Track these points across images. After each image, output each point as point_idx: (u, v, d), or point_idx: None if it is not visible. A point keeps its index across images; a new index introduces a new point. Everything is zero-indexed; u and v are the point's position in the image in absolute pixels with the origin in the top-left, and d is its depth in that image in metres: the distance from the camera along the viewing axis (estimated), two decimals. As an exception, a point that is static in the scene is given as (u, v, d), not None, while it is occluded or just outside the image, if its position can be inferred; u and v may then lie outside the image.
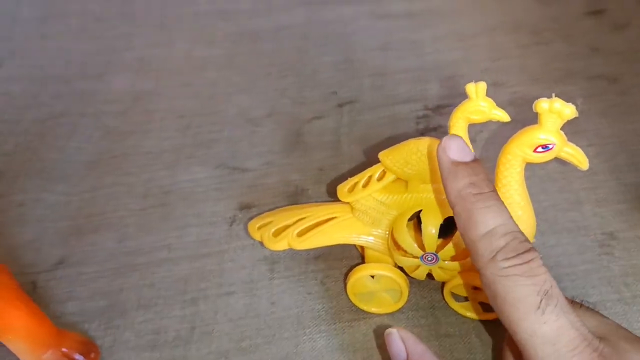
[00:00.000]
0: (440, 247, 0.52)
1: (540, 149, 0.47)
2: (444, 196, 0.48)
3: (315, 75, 0.88)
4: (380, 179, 0.54)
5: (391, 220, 0.55)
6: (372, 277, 0.56)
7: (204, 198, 0.71)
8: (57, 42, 0.97)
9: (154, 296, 0.61)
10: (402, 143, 0.53)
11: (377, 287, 0.57)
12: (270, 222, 0.60)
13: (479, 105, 0.51)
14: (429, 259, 0.53)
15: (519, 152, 0.48)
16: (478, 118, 0.52)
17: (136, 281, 0.62)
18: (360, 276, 0.56)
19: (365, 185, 0.55)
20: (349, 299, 0.58)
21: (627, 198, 0.66)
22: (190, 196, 0.71)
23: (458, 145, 0.46)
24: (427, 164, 0.51)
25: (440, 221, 0.51)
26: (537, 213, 0.65)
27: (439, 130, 0.77)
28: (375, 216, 0.55)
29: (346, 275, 0.61)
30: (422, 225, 0.51)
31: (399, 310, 0.58)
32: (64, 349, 0.52)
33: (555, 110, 0.45)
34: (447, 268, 0.53)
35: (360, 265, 0.57)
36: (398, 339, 0.48)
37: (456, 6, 0.99)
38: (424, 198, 0.53)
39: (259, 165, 0.74)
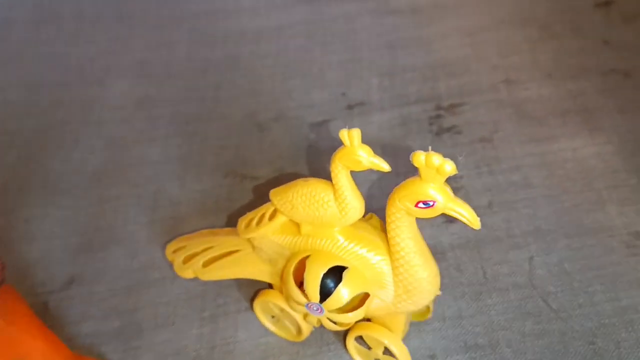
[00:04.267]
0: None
1: (421, 205, 0.42)
2: (332, 243, 0.47)
3: (322, 75, 0.86)
4: (271, 218, 0.50)
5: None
6: None
7: (215, 209, 0.68)
8: (52, 47, 0.94)
9: (171, 314, 0.59)
10: (290, 183, 0.49)
11: (281, 315, 0.55)
12: (183, 247, 0.58)
13: (357, 155, 0.44)
14: (315, 308, 0.48)
15: (401, 206, 0.43)
16: (357, 167, 0.45)
17: (151, 299, 0.60)
18: (265, 300, 0.54)
19: (258, 223, 0.51)
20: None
21: (651, 196, 0.65)
22: (201, 207, 0.68)
23: None
24: (313, 208, 0.47)
25: (324, 270, 0.47)
26: (560, 214, 0.65)
27: (453, 131, 0.75)
28: (272, 255, 0.52)
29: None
30: (305, 272, 0.47)
31: (425, 322, 0.56)
32: (82, 375, 0.50)
33: (433, 166, 0.40)
34: (334, 320, 0.49)
35: (268, 290, 0.55)
36: None
37: (460, 2, 0.97)
38: (315, 243, 0.49)
39: (270, 172, 0.72)
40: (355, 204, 0.46)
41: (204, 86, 0.85)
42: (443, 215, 0.65)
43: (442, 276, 0.59)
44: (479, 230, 0.62)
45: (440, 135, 0.75)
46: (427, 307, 0.55)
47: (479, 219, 0.43)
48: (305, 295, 0.48)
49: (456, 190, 0.67)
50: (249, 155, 0.75)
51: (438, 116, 0.78)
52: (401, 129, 0.76)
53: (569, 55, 0.84)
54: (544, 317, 0.56)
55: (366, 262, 0.48)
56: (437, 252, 0.62)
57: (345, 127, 0.45)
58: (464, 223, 0.43)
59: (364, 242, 0.48)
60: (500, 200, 0.67)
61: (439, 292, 0.49)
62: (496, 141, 0.73)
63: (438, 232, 0.64)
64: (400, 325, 0.52)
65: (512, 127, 0.75)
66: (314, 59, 0.88)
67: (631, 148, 0.70)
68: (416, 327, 0.56)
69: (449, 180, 0.65)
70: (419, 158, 0.41)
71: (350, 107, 0.81)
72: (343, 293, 0.47)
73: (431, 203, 0.42)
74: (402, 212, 0.44)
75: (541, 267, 0.60)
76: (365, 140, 0.76)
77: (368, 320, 0.52)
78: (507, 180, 0.69)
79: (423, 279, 0.47)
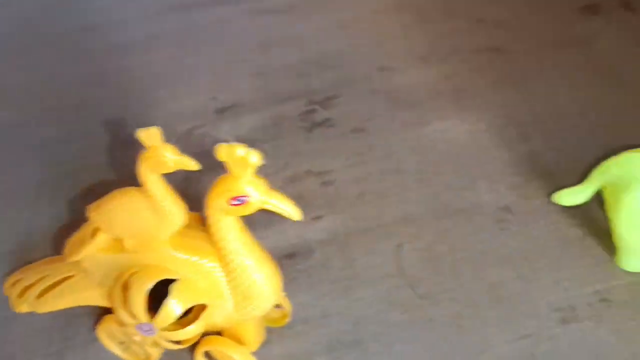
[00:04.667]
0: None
1: (235, 201, 0.39)
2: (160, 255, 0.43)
3: (192, 82, 0.82)
4: (93, 235, 0.45)
5: None
6: None
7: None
8: None
9: (16, 352, 0.53)
10: (107, 195, 0.44)
11: (127, 340, 0.50)
12: (21, 279, 0.53)
13: (161, 155, 0.40)
14: (145, 328, 0.44)
15: (217, 206, 0.40)
16: (164, 169, 0.41)
17: (-7, 338, 0.54)
18: (106, 326, 0.50)
19: (81, 244, 0.46)
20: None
21: (521, 170, 0.63)
22: (56, 234, 0.63)
23: None
24: (131, 220, 0.43)
25: (149, 285, 0.43)
26: (431, 197, 0.62)
27: (326, 124, 0.73)
28: (101, 276, 0.47)
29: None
30: (128, 291, 0.44)
31: (287, 326, 0.53)
32: None
33: (239, 159, 0.38)
34: (168, 339, 0.45)
35: (109, 316, 0.49)
36: None
37: (337, -6, 0.95)
38: (143, 257, 0.44)
39: (134, 187, 0.68)
40: (172, 209, 0.43)
41: (65, 106, 0.80)
42: (310, 211, 0.63)
43: (308, 275, 0.57)
44: (349, 222, 0.60)
45: (313, 131, 0.72)
46: (283, 311, 0.52)
47: (299, 210, 0.40)
48: (133, 316, 0.44)
49: (326, 185, 0.64)
50: (110, 174, 0.70)
51: (311, 111, 0.75)
52: (272, 129, 0.73)
53: (443, 37, 0.83)
54: (412, 305, 0.53)
55: (198, 271, 0.44)
56: (304, 251, 0.59)
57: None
58: (285, 216, 0.40)
59: (194, 249, 0.44)
60: (372, 190, 0.64)
61: (282, 294, 0.46)
62: (369, 130, 0.71)
63: (304, 229, 0.61)
64: (252, 335, 0.48)
65: (386, 114, 0.73)
66: (184, 67, 0.85)
67: (501, 123, 0.69)
68: (278, 332, 0.52)
69: (321, 176, 0.63)
70: (222, 151, 0.38)
71: (220, 111, 0.77)
72: (173, 307, 0.43)
73: (244, 199, 0.39)
74: (219, 212, 0.41)
75: (410, 253, 0.57)
76: (236, 141, 0.72)
77: (218, 333, 0.48)
78: (379, 169, 0.66)
79: (259, 282, 0.43)
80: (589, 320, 0.50)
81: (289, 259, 0.59)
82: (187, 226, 0.44)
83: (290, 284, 0.56)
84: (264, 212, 0.63)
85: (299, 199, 0.63)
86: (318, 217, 0.62)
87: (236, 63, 0.84)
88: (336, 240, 0.60)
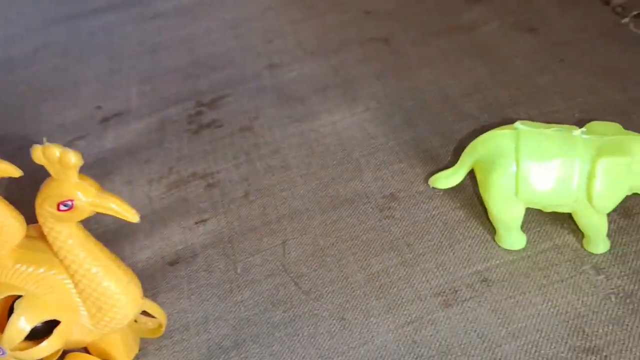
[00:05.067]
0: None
1: (62, 207, 0.37)
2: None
3: (77, 92, 0.78)
4: None
5: None
6: None
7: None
8: None
9: None
10: None
11: None
12: None
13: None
14: None
15: (45, 213, 0.38)
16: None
17: None
18: None
19: None
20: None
21: (405, 156, 0.63)
22: None
23: None
24: None
25: None
26: (317, 191, 0.61)
27: (214, 125, 0.71)
28: None
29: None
30: None
31: (165, 336, 0.50)
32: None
33: (56, 160, 0.35)
34: (22, 359, 0.42)
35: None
36: None
37: (227, -6, 0.93)
38: None
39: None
40: (8, 222, 0.40)
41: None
42: (195, 215, 0.61)
43: (190, 281, 0.55)
44: (234, 223, 0.58)
45: (199, 133, 0.70)
46: (158, 321, 0.49)
47: (134, 211, 0.38)
48: (-23, 339, 0.41)
49: (212, 187, 0.62)
50: (-16, 191, 0.66)
51: (199, 113, 0.73)
52: (158, 134, 0.71)
53: (331, 31, 0.83)
54: (295, 302, 0.52)
55: (47, 284, 0.41)
56: (188, 256, 0.57)
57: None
58: (121, 218, 0.38)
59: (39, 261, 0.41)
60: (258, 188, 0.62)
61: (147, 302, 0.43)
62: (256, 128, 0.69)
63: (189, 234, 0.59)
64: (120, 349, 0.46)
65: (274, 111, 0.71)
66: (70, 77, 0.81)
67: (387, 111, 0.69)
68: (155, 343, 0.50)
69: (206, 178, 0.60)
70: (37, 153, 0.35)
71: (105, 119, 0.74)
72: (19, 325, 0.40)
73: (71, 203, 0.37)
74: (51, 219, 0.38)
75: (295, 249, 0.56)
76: (121, 150, 0.69)
77: (85, 349, 0.46)
78: (265, 166, 0.65)
79: (111, 292, 0.41)
80: (469, 301, 0.50)
81: (171, 265, 0.57)
82: (33, 238, 0.41)
83: (171, 292, 0.54)
84: (145, 219, 0.61)
85: (183, 204, 0.62)
86: (202, 221, 0.60)
87: (123, 70, 0.82)
88: (220, 243, 0.58)
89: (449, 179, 0.53)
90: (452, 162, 0.57)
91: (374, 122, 0.68)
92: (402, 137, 0.65)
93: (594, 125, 0.49)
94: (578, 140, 0.47)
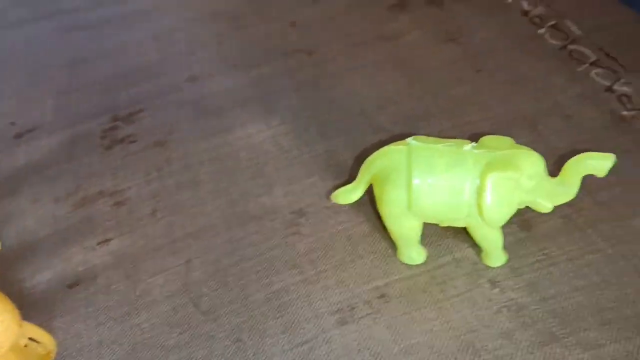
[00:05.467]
0: None
1: None
2: None
3: (-11, 108, 0.76)
4: None
5: None
6: None
7: None
8: None
9: None
10: None
11: None
12: None
13: None
14: None
15: None
16: None
17: None
18: None
19: None
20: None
21: (317, 169, 0.63)
22: None
23: None
24: None
25: None
26: (226, 207, 0.60)
27: (127, 141, 0.69)
28: None
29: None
30: None
31: (55, 362, 0.49)
32: None
33: None
34: None
35: None
36: None
37: (154, 5, 0.92)
38: None
39: None
40: None
41: None
42: (99, 235, 0.59)
43: (87, 304, 0.53)
44: (139, 242, 0.57)
45: (112, 148, 0.68)
46: (46, 347, 0.48)
47: None
48: None
49: (119, 205, 0.61)
50: None
51: (113, 128, 0.71)
52: (69, 149, 0.69)
53: (256, 43, 0.82)
54: (193, 324, 0.51)
55: None
56: (88, 278, 0.56)
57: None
58: None
59: None
60: (166, 205, 0.61)
61: (18, 330, 0.42)
62: (170, 143, 0.68)
63: (91, 256, 0.58)
64: (0, 376, 0.44)
65: (190, 125, 0.70)
66: (-17, 92, 0.79)
67: (304, 124, 0.68)
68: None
69: (113, 196, 0.58)
70: None
71: (18, 135, 0.72)
72: None
73: None
74: None
75: (198, 268, 0.55)
76: (30, 167, 0.68)
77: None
78: (176, 182, 0.64)
79: None
80: (365, 318, 0.49)
81: (70, 288, 0.55)
82: None
83: (68, 315, 0.53)
84: (48, 239, 0.59)
85: (88, 223, 0.61)
86: (106, 241, 0.59)
87: (40, 84, 0.80)
88: (123, 263, 0.57)
89: (349, 194, 0.53)
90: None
91: (289, 136, 0.67)
92: (316, 151, 0.65)
93: (487, 139, 0.49)
94: (469, 155, 0.47)
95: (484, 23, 0.78)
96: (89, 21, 0.90)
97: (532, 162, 0.46)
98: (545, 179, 0.47)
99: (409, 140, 0.49)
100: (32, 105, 0.76)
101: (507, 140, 0.49)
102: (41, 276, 0.56)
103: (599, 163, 0.46)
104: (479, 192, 0.46)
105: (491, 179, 0.46)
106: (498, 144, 0.48)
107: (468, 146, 0.48)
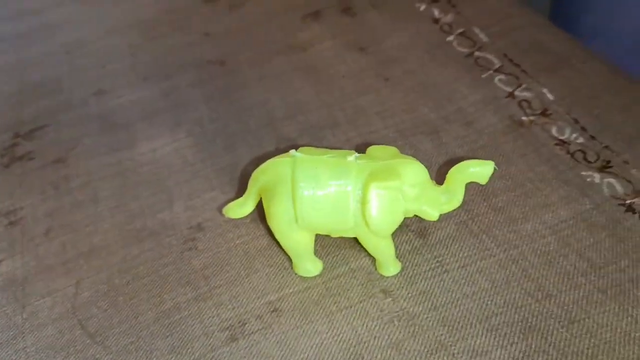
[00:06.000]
0: None
1: None
2: None
3: None
4: None
5: None
6: None
7: None
8: None
9: None
10: None
11: None
12: None
13: None
14: None
15: None
16: None
17: None
18: None
19: None
20: None
21: (219, 183, 0.62)
22: None
23: None
24: None
25: None
26: (124, 224, 0.59)
27: (26, 158, 0.67)
28: None
29: None
30: None
31: None
32: None
33: None
34: None
35: None
36: None
37: (67, 18, 0.90)
38: None
39: None
40: None
41: None
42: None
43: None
44: (31, 263, 0.55)
45: (10, 166, 0.66)
46: None
47: None
48: None
49: (13, 225, 0.58)
50: None
51: (14, 145, 0.69)
52: (-35, 169, 0.66)
53: (169, 54, 0.80)
54: (79, 347, 0.49)
55: None
56: (-27, 303, 0.53)
57: None
58: None
59: None
60: (61, 224, 0.59)
61: None
62: (71, 159, 0.66)
63: (-23, 278, 0.55)
64: None
65: (94, 140, 0.69)
66: None
67: (210, 136, 0.67)
68: None
69: (8, 216, 0.56)
70: None
71: None
72: None
73: None
74: None
75: (88, 289, 0.53)
76: None
77: None
78: (73, 201, 0.62)
79: None
80: (256, 334, 0.48)
81: (-47, 315, 0.53)
82: None
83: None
84: None
85: (-22, 245, 0.58)
86: (-3, 262, 0.56)
87: (-59, 100, 0.77)
88: (13, 285, 0.54)
89: (240, 208, 0.52)
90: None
91: (195, 148, 0.66)
92: (220, 163, 0.64)
93: (372, 149, 0.49)
94: (352, 166, 0.47)
95: (395, 31, 0.79)
96: (1, 34, 0.87)
97: (414, 171, 0.46)
98: (429, 188, 0.47)
99: (293, 152, 0.48)
100: None
101: (392, 150, 0.49)
102: None
103: (480, 170, 0.46)
104: (363, 202, 0.46)
105: (373, 189, 0.45)
106: (383, 154, 0.48)
107: (352, 157, 0.47)
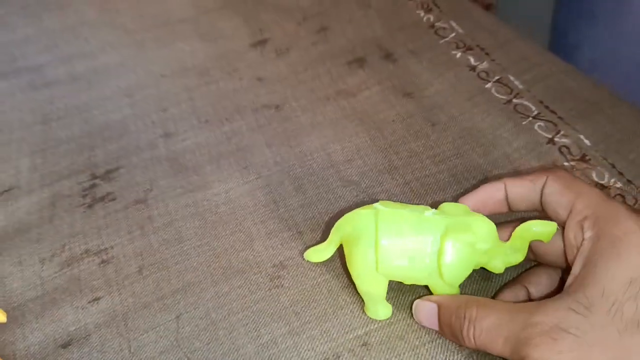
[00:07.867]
0: None
1: None
2: None
3: (-37, 168, 0.77)
4: None
5: None
6: None
7: None
8: None
9: None
10: None
11: None
12: None
13: None
14: None
15: None
16: None
17: None
18: None
19: None
20: None
21: (294, 223, 0.67)
22: None
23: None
24: None
25: None
26: (210, 262, 0.64)
27: (107, 199, 0.72)
28: None
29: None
30: None
31: None
32: None
33: None
34: None
35: None
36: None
37: (122, 60, 0.95)
38: None
39: None
40: None
41: None
42: (88, 294, 0.62)
43: (82, 364, 0.55)
44: (129, 300, 0.60)
45: (93, 207, 0.71)
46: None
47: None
48: None
49: (105, 263, 0.63)
50: None
51: (93, 186, 0.74)
52: (50, 209, 0.71)
53: (225, 98, 0.86)
54: (188, 378, 0.54)
55: None
56: (81, 337, 0.58)
57: None
58: None
59: None
60: (152, 262, 0.64)
61: None
62: (150, 200, 0.71)
63: (82, 315, 0.60)
64: None
65: (167, 182, 0.74)
66: (-46, 151, 0.80)
67: (278, 178, 0.73)
68: None
69: (99, 255, 0.60)
70: None
71: (-5, 196, 0.73)
72: None
73: None
74: None
75: (188, 323, 0.58)
76: (10, 229, 0.69)
77: None
78: (160, 240, 0.67)
79: None
80: (350, 364, 0.54)
81: (64, 348, 0.57)
82: None
83: (64, 377, 0.55)
84: (36, 301, 0.61)
85: (76, 282, 0.63)
86: (96, 299, 0.61)
87: (13, 142, 0.81)
88: (114, 321, 0.59)
89: (321, 253, 0.58)
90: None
91: (265, 190, 0.71)
92: (291, 204, 0.69)
93: (445, 206, 0.56)
94: (429, 220, 0.53)
95: (436, 77, 0.85)
96: (57, 77, 0.92)
97: (485, 228, 0.53)
98: (497, 244, 0.54)
99: (376, 205, 0.55)
100: (6, 165, 0.78)
101: (463, 207, 0.55)
102: (33, 337, 0.58)
103: (542, 230, 0.53)
104: (439, 252, 0.52)
105: (450, 242, 0.52)
106: (455, 211, 0.55)
107: (429, 212, 0.54)
